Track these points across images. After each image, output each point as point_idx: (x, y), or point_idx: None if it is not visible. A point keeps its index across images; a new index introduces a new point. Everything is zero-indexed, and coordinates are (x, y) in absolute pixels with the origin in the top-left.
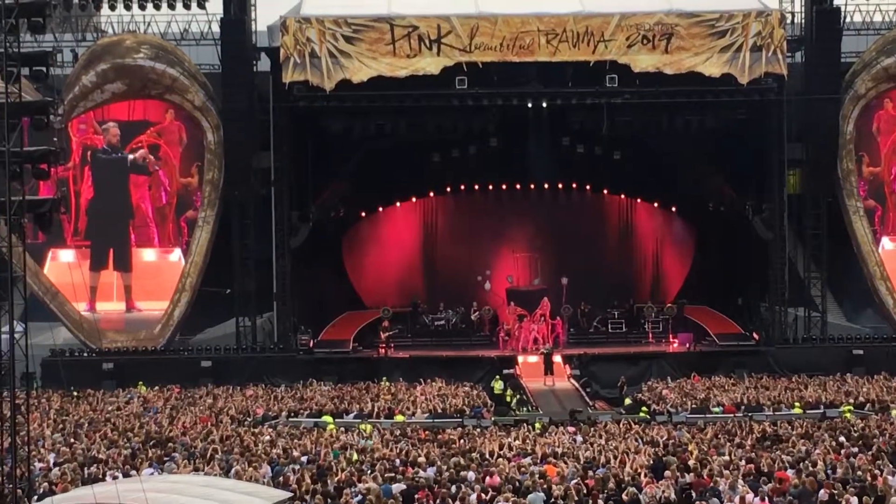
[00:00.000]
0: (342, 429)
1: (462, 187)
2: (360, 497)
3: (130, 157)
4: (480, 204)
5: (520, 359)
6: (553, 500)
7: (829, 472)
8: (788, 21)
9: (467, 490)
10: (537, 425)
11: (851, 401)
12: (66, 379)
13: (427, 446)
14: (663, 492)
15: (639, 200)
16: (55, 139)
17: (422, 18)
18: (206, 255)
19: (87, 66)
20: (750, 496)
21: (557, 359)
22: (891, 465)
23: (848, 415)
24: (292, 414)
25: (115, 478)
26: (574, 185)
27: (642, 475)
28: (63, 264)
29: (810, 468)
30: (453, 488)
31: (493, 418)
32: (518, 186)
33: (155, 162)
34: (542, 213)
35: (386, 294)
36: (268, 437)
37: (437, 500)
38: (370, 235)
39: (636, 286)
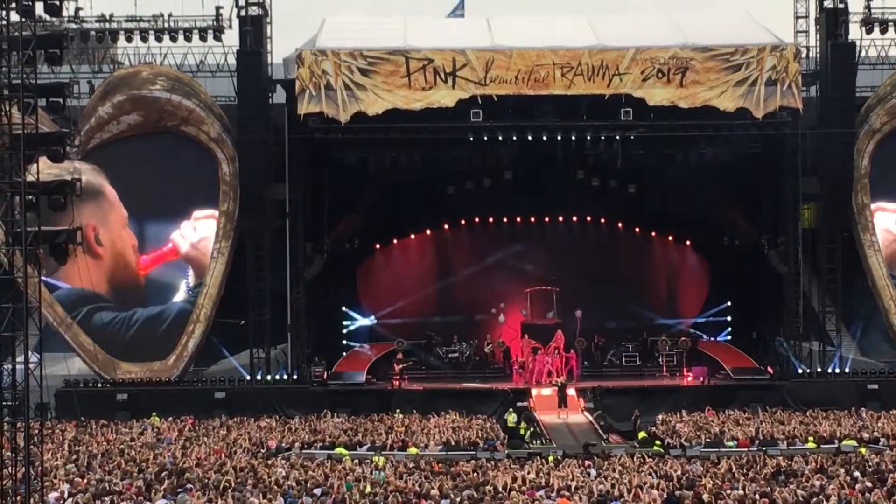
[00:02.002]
0: (356, 461)
1: (476, 220)
2: None
3: None
4: (495, 237)
5: (533, 391)
6: None
7: None
8: (803, 55)
9: None
10: (551, 458)
11: (866, 436)
12: (79, 409)
13: (440, 479)
14: None
15: (653, 234)
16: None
17: (437, 51)
18: (220, 286)
19: (103, 98)
20: None
21: (571, 392)
22: None
23: (863, 450)
24: (306, 446)
25: None
26: (588, 219)
27: None
28: None
29: (824, 503)
30: None
31: (506, 451)
32: (533, 219)
33: None
34: (557, 246)
35: (400, 326)
36: (281, 469)
37: None
38: (384, 267)
39: (650, 319)
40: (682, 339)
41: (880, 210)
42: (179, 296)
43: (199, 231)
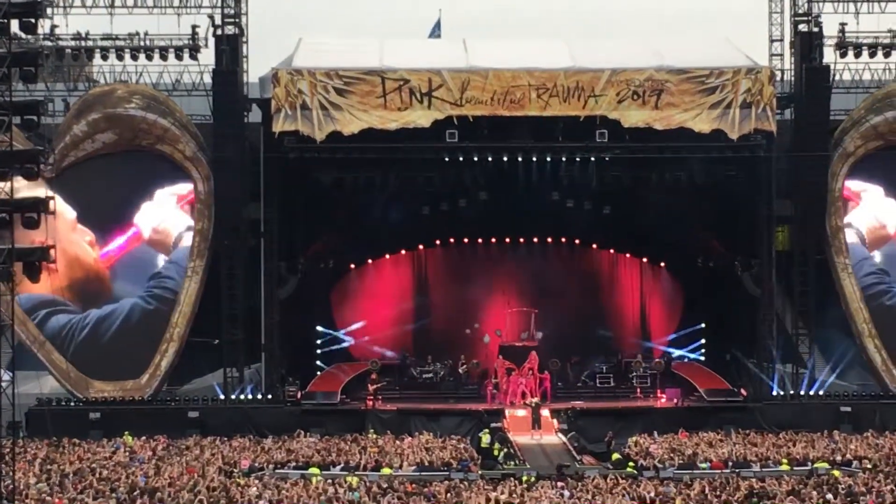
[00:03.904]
0: (329, 481)
1: (451, 240)
2: None
3: None
4: (470, 257)
5: (507, 412)
6: None
7: None
8: (778, 78)
9: None
10: (524, 479)
11: (839, 458)
12: (52, 428)
13: (413, 499)
14: None
15: (628, 255)
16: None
17: (413, 72)
18: (194, 304)
19: (78, 116)
20: None
21: (545, 413)
22: None
23: (836, 472)
24: (279, 465)
25: None
26: (563, 240)
27: None
28: None
29: None
30: None
31: (480, 472)
32: (508, 240)
33: None
34: (532, 267)
35: (374, 346)
36: (254, 489)
37: None
38: (359, 288)
39: (624, 341)
40: (656, 360)
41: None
42: (137, 291)
43: (161, 210)
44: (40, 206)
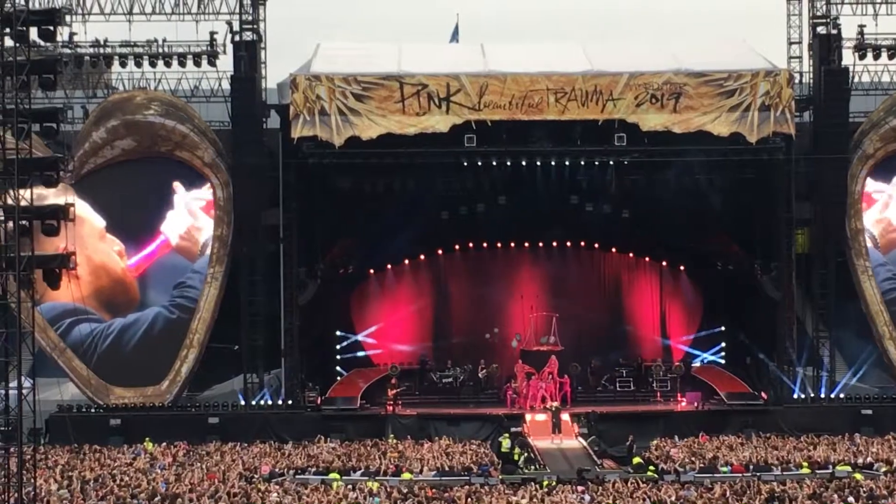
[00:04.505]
0: (349, 486)
1: (470, 245)
2: None
3: None
4: (488, 262)
5: (527, 416)
6: None
7: None
8: (797, 81)
9: None
10: (545, 484)
11: (860, 461)
12: (73, 435)
13: None
14: None
15: (647, 259)
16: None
17: (431, 77)
18: (214, 311)
19: (97, 123)
20: None
21: (565, 417)
22: None
23: (857, 475)
24: (299, 471)
25: None
26: (582, 244)
27: None
28: None
29: None
30: None
31: (500, 476)
32: (527, 244)
33: None
34: (551, 271)
35: (394, 351)
36: (275, 495)
37: None
38: (378, 293)
39: (644, 345)
40: (676, 364)
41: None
42: (165, 299)
43: (187, 217)
44: (60, 213)
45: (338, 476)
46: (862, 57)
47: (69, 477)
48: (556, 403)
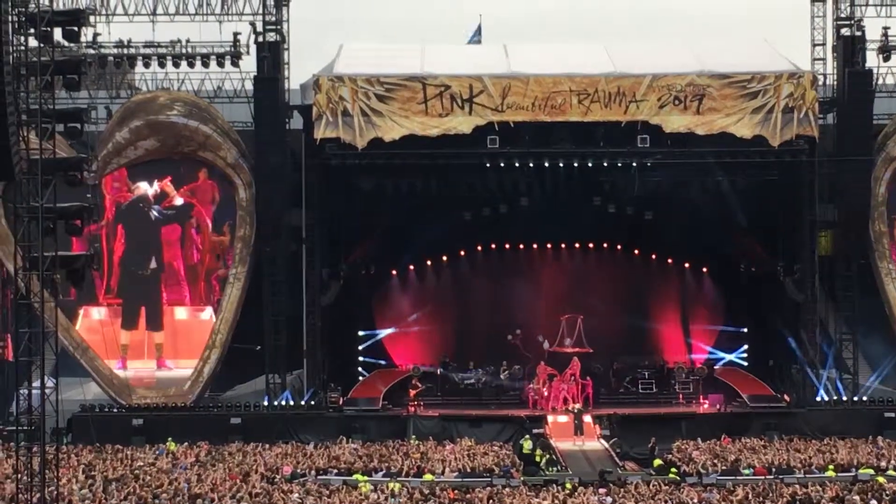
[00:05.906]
0: (371, 487)
1: (492, 246)
2: None
3: (156, 210)
4: (511, 263)
5: (549, 418)
6: None
7: None
8: (820, 83)
9: None
10: (567, 485)
11: (883, 464)
12: (95, 435)
13: None
14: None
15: (669, 260)
16: (88, 195)
17: (454, 78)
18: (236, 311)
19: (120, 123)
20: None
21: (587, 418)
22: None
23: (880, 478)
24: (321, 472)
25: None
26: (605, 245)
27: None
28: (95, 322)
29: None
30: None
31: (522, 478)
32: (549, 246)
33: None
34: (573, 272)
35: (416, 352)
36: (296, 495)
37: None
38: (401, 293)
39: (666, 346)
40: (699, 366)
41: None
42: None
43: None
44: (84, 213)
45: (360, 477)
46: (886, 59)
47: (91, 476)
48: (578, 405)
